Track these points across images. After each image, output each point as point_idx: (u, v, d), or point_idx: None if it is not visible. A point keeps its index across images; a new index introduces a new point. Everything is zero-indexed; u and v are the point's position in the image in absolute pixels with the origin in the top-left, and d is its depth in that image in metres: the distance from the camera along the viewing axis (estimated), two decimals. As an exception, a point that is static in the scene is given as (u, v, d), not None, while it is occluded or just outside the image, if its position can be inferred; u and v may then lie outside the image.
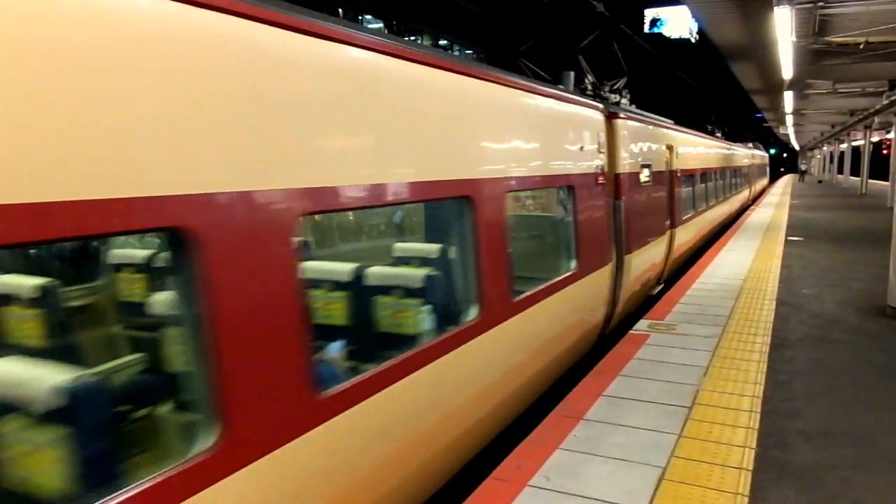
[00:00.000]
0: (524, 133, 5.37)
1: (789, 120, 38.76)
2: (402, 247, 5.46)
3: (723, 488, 3.56)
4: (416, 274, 4.41)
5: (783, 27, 12.00)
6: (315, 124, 2.99)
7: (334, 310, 4.28)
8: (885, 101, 20.99)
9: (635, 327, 6.98)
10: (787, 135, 59.89)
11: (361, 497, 3.24)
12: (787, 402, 4.91)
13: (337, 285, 4.32)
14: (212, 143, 2.40)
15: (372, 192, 3.33)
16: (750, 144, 34.37)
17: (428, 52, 4.15)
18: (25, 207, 1.81)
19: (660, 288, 10.32)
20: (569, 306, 6.07)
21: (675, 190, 11.35)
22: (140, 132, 2.14)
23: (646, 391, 5.07)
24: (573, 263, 6.20)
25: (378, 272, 4.42)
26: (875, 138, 37.28)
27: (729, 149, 22.09)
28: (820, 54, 14.77)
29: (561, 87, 7.19)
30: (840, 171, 49.04)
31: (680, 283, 9.53)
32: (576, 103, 6.78)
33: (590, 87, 8.49)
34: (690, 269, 10.79)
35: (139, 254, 4.49)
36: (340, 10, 31.23)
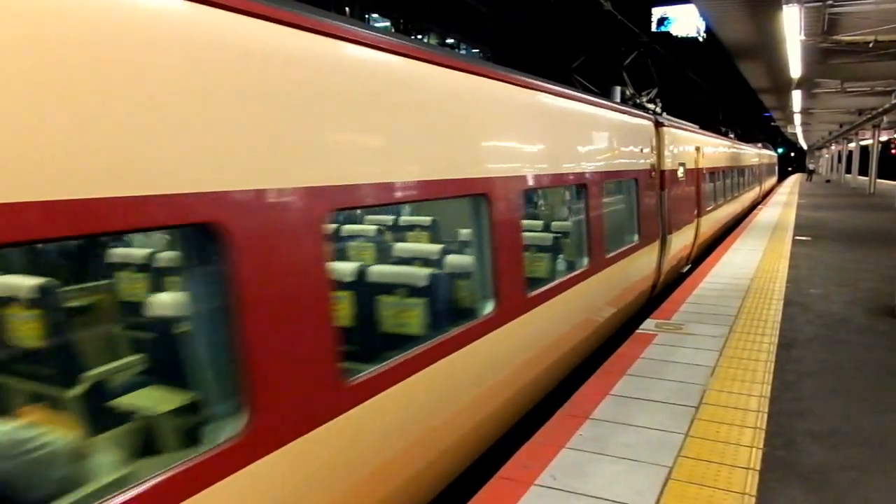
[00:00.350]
0: (613, 140, 7.59)
1: (797, 119, 38.59)
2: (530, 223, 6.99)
3: (730, 488, 3.55)
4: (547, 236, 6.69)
5: (792, 26, 11.94)
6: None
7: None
8: (894, 100, 20.87)
9: (642, 327, 6.97)
10: (794, 134, 59.62)
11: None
12: (795, 402, 4.89)
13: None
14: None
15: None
16: (759, 144, 36.25)
17: (541, 82, 5.63)
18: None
19: (688, 267, 12.12)
20: (635, 266, 8.16)
21: (700, 185, 13.05)
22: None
23: (653, 391, 5.06)
24: (636, 237, 8.21)
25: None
26: (884, 137, 37.08)
27: (742, 149, 24.18)
28: (828, 53, 14.70)
29: (618, 101, 9.02)
30: (848, 171, 48.79)
31: (687, 282, 9.50)
32: (639, 116, 8.92)
33: (628, 96, 10.14)
34: (698, 268, 10.76)
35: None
36: (347, 9, 31.26)
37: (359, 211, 6.70)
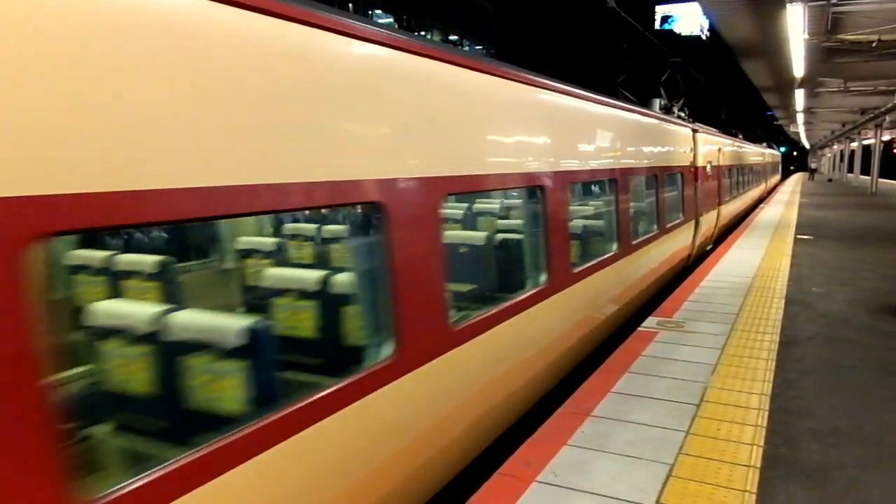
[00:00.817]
0: (670, 143, 10.45)
1: (800, 118, 38.55)
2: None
3: (731, 486, 3.57)
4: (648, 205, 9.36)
5: (795, 24, 11.93)
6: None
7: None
8: (898, 100, 20.83)
9: (644, 324, 6.98)
10: (797, 133, 59.53)
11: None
12: (796, 400, 4.90)
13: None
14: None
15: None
16: (764, 144, 40.76)
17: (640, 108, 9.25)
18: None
19: (710, 246, 14.84)
20: (680, 237, 10.96)
21: (721, 180, 15.90)
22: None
23: (654, 388, 5.07)
24: (681, 216, 10.99)
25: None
26: (886, 137, 37.03)
27: (752, 149, 27.58)
28: (832, 52, 14.68)
29: (657, 110, 11.45)
30: (850, 170, 48.73)
31: (689, 280, 9.51)
32: (685, 125, 11.90)
33: (663, 105, 12.70)
34: (699, 267, 10.77)
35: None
36: (350, 5, 31.22)
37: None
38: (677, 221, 10.62)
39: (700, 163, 12.57)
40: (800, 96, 25.16)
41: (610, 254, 7.05)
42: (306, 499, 2.86)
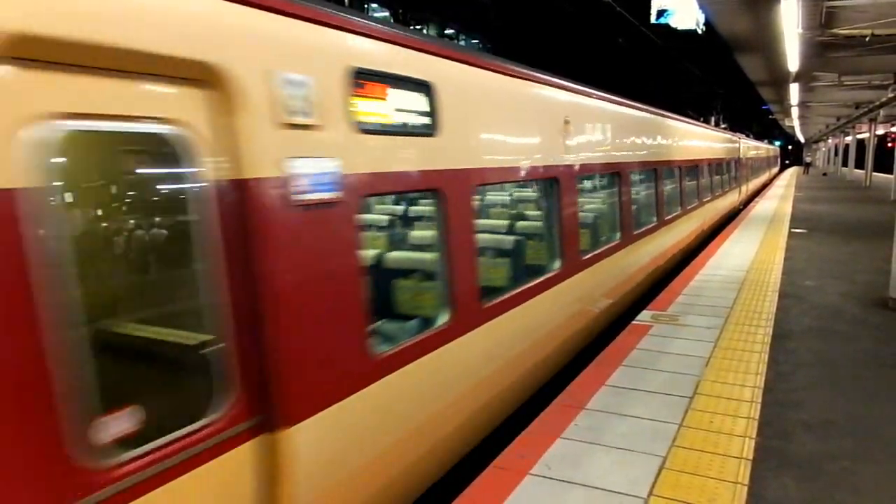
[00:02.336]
0: (733, 147, 21.56)
1: (794, 112, 38.60)
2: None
3: (723, 477, 3.59)
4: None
5: (790, 19, 11.94)
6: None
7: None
8: (891, 94, 20.86)
9: (638, 318, 7.00)
10: (792, 127, 59.62)
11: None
12: (789, 392, 4.93)
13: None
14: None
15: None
16: (766, 141, 50.50)
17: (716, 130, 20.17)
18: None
19: (742, 208, 23.04)
20: (734, 195, 20.89)
21: (743, 168, 24.53)
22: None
23: (648, 381, 5.10)
24: (735, 183, 21.41)
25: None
26: (880, 131, 37.11)
27: (763, 146, 39.29)
28: (826, 46, 14.68)
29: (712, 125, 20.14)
30: (844, 164, 48.84)
31: (683, 274, 9.53)
32: (734, 133, 24.12)
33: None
34: (693, 259, 10.80)
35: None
36: (346, 0, 31.09)
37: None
38: (735, 186, 21.57)
39: (739, 157, 23.23)
40: (794, 90, 25.18)
41: (720, 191, 17.33)
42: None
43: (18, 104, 1.97)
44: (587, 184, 8.08)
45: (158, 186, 3.35)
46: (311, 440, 2.90)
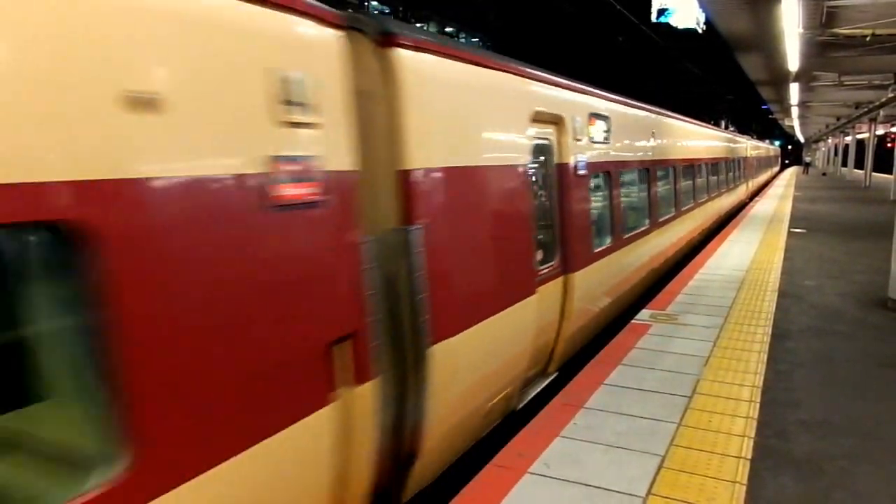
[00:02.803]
0: (764, 152, 39.61)
1: (794, 112, 38.60)
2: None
3: (721, 476, 3.60)
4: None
5: (790, 18, 11.93)
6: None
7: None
8: (891, 94, 20.86)
9: (637, 317, 7.01)
10: (791, 127, 59.62)
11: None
12: (787, 392, 4.94)
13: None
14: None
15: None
16: (767, 142, 54.46)
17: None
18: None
19: (748, 201, 26.14)
20: (744, 187, 24.99)
21: (749, 166, 27.78)
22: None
23: (647, 380, 5.10)
24: (744, 178, 25.28)
25: None
26: (880, 131, 37.12)
27: (766, 146, 46.11)
28: (826, 46, 14.67)
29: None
30: (844, 164, 48.87)
31: (682, 273, 9.54)
32: (743, 137, 29.55)
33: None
34: (693, 259, 10.81)
35: None
36: (345, -4, 31.00)
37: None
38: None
39: (747, 155, 26.92)
40: (794, 90, 25.18)
41: (734, 184, 21.40)
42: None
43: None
44: (666, 172, 11.33)
45: (545, 168, 5.88)
46: (581, 282, 6.15)
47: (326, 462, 3.00)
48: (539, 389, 5.49)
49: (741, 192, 23.62)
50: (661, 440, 4.05)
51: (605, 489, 3.47)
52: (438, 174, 3.82)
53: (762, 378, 5.18)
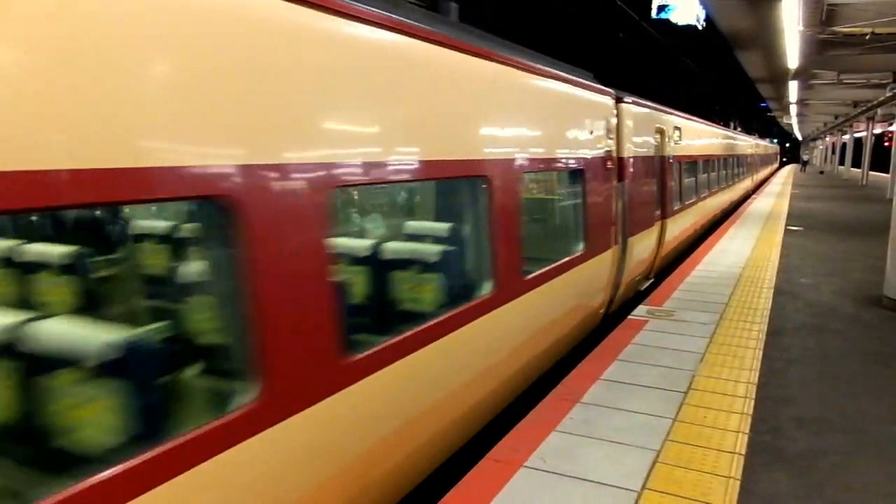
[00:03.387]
0: (749, 144, 31.27)
1: (793, 110, 38.64)
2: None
3: (716, 472, 3.62)
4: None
5: (790, 16, 11.94)
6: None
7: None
8: (889, 93, 20.89)
9: (634, 313, 7.03)
10: (790, 125, 59.67)
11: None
12: (782, 388, 4.97)
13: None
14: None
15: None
16: (767, 140, 58.60)
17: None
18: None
19: (753, 191, 29.92)
20: (750, 178, 29.93)
21: (755, 160, 33.17)
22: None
23: (643, 376, 5.12)
24: (751, 171, 31.05)
25: None
26: (878, 130, 37.17)
27: (767, 144, 50.94)
28: (826, 44, 14.69)
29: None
30: (842, 163, 48.95)
31: (679, 270, 9.57)
32: (749, 136, 35.21)
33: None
34: (690, 255, 10.84)
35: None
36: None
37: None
38: (754, 169, 32.54)
39: (755, 152, 32.33)
40: (793, 88, 25.22)
41: (745, 175, 27.30)
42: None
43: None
44: (723, 163, 18.65)
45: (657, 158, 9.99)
46: (670, 225, 10.61)
47: (608, 275, 7.25)
48: (646, 286, 9.58)
49: (753, 178, 31.93)
50: (657, 435, 4.07)
51: (601, 483, 3.49)
52: (630, 159, 8.00)
53: (757, 374, 5.21)
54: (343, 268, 4.07)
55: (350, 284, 4.33)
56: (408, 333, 3.53)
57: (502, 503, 3.29)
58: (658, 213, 9.73)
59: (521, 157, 4.83)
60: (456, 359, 4.05)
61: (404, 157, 3.54)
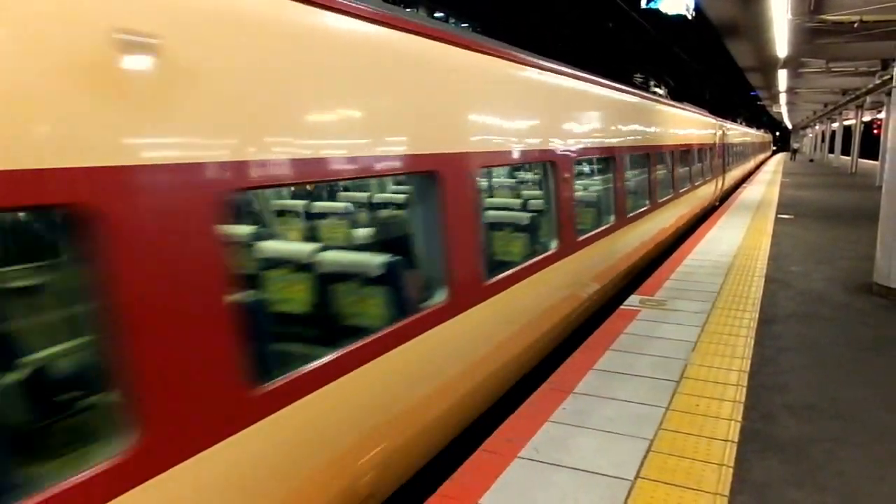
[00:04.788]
0: (751, 138, 40.27)
1: (782, 98, 38.75)
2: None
3: (709, 460, 3.64)
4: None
5: (779, 4, 11.95)
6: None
7: None
8: (878, 81, 20.97)
9: (626, 303, 7.04)
10: (780, 113, 59.86)
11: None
12: (774, 376, 4.99)
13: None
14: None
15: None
16: (761, 129, 62.62)
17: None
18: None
19: (752, 171, 38.75)
20: (752, 161, 41.56)
21: (753, 149, 41.68)
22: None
23: (635, 365, 5.14)
24: (767, 151, 63.22)
25: None
26: (867, 118, 37.34)
27: (759, 133, 53.27)
28: (815, 32, 14.71)
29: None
30: (831, 151, 49.18)
31: (671, 259, 9.59)
32: (758, 131, 52.39)
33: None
34: (681, 245, 10.87)
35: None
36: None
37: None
38: (762, 152, 51.62)
39: (754, 141, 41.26)
40: (783, 77, 25.28)
41: (756, 154, 43.49)
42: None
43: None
44: (743, 148, 31.21)
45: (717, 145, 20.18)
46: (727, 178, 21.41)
47: (717, 183, 17.80)
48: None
49: (763, 154, 45.40)
50: (650, 424, 4.08)
51: (594, 473, 3.49)
52: (719, 145, 18.89)
53: (749, 362, 5.23)
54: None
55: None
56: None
57: (496, 494, 3.29)
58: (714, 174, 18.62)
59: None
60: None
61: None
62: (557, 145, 5.85)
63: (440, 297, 3.91)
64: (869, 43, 15.24)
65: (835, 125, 46.74)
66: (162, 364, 2.19)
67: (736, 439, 3.90)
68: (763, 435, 4.01)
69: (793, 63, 20.64)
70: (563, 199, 5.84)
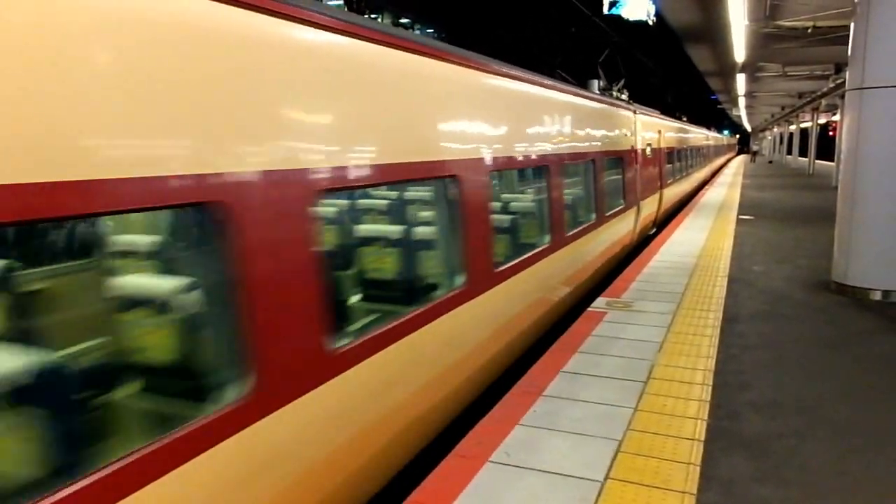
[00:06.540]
0: (716, 143, 45.22)
1: (742, 102, 39.70)
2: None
3: (676, 458, 3.68)
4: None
5: (736, 10, 12.25)
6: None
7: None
8: (832, 85, 21.61)
9: (593, 305, 7.11)
10: (739, 116, 61.31)
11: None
12: (738, 374, 5.08)
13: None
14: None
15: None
16: (726, 133, 68.99)
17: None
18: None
19: (723, 165, 49.50)
20: (731, 153, 72.36)
21: (723, 148, 54.99)
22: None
23: (603, 367, 5.18)
24: (732, 151, 75.23)
25: None
26: (822, 120, 38.43)
27: (726, 138, 61.89)
28: (771, 38, 15.12)
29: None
30: (789, 152, 50.47)
31: (637, 260, 9.72)
32: (724, 137, 60.81)
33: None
34: (647, 247, 11.03)
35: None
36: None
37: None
38: (720, 155, 48.38)
39: (725, 143, 55.73)
40: (741, 81, 25.90)
41: (717, 156, 44.92)
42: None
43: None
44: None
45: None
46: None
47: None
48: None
49: (726, 156, 48.51)
50: (619, 425, 4.12)
51: (565, 475, 3.51)
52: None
53: (714, 362, 5.32)
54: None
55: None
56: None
57: (468, 499, 3.29)
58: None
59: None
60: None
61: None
62: None
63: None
64: (823, 47, 15.71)
65: (792, 127, 48.01)
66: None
67: (702, 438, 3.96)
68: (729, 432, 4.08)
69: (751, 67, 21.15)
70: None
